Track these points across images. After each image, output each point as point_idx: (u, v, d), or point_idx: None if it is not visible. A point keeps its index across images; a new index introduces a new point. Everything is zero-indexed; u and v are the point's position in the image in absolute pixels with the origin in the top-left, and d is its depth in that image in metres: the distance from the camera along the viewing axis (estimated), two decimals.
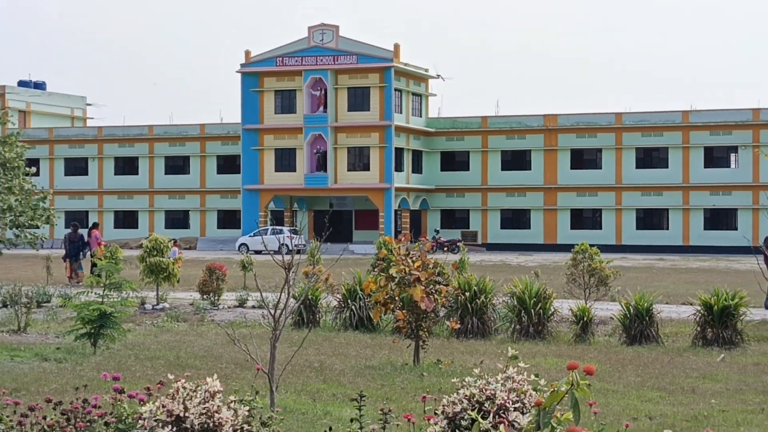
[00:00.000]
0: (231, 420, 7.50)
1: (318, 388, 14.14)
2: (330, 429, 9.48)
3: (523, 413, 7.19)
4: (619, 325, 20.08)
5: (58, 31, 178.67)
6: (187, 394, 7.55)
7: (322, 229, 70.05)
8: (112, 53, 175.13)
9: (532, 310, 20.19)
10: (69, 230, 37.49)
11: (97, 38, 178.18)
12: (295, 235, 62.69)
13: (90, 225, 37.99)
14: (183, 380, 7.65)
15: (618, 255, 56.39)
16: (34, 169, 30.83)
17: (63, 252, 37.31)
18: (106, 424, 8.83)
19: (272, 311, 12.05)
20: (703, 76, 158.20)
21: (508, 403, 7.32)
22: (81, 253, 36.36)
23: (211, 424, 7.42)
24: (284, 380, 13.83)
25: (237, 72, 75.35)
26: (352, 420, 8.55)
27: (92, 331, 17.64)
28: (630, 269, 44.29)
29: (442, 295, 17.03)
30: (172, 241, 37.30)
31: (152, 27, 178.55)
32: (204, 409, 7.45)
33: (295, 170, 73.80)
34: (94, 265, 35.37)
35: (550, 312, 20.50)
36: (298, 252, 16.65)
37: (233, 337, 11.45)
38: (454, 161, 77.47)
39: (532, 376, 7.52)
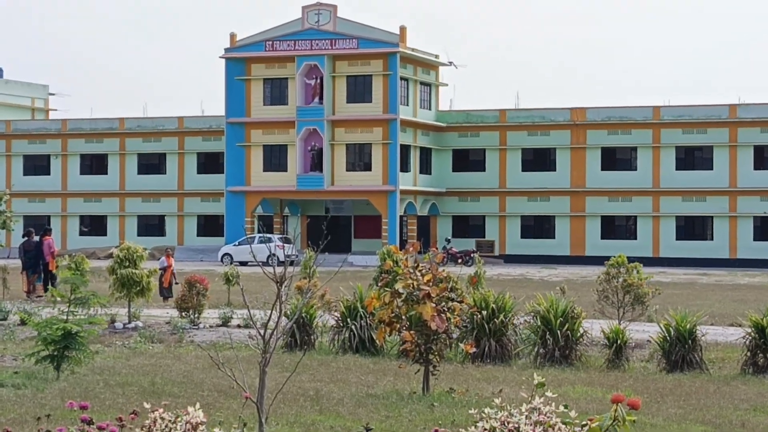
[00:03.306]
0: None
1: (313, 419, 14.12)
2: None
3: None
4: (657, 349, 20.09)
5: (16, 12, 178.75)
6: (166, 426, 7.51)
7: (317, 238, 69.92)
8: (78, 36, 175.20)
9: (559, 332, 20.18)
10: (24, 238, 37.35)
11: (61, 19, 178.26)
12: (286, 244, 62.72)
13: (42, 231, 37.78)
14: (160, 410, 7.61)
15: (656, 269, 56.29)
16: None
17: (21, 263, 37.18)
18: None
19: (261, 331, 12.00)
20: (751, 66, 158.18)
21: None
22: (39, 263, 36.18)
23: None
24: (275, 410, 13.81)
25: (221, 58, 75.45)
26: None
27: (55, 353, 17.60)
28: (669, 285, 44.22)
29: (456, 313, 17.04)
30: (167, 251, 37.44)
31: (124, 6, 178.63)
32: None
33: (286, 170, 73.82)
34: (47, 276, 35.39)
35: (579, 334, 20.49)
36: (291, 263, 16.55)
37: (217, 361, 11.39)
38: (467, 160, 77.48)
39: (561, 407, 7.49)
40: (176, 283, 34.26)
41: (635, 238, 73.37)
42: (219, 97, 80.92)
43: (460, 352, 20.25)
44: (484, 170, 76.80)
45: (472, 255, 59.52)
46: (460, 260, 63.93)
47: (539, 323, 20.42)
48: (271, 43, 73.48)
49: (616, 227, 74.53)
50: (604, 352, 20.49)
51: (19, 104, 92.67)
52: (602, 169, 74.42)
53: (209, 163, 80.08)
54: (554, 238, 75.20)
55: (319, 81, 72.83)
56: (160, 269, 34.65)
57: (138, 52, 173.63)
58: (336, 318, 22.31)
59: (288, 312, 20.18)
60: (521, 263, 70.96)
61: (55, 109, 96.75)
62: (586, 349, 20.93)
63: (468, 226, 77.22)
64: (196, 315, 26.95)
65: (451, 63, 77.79)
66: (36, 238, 36.64)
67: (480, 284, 27.28)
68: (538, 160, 75.87)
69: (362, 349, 21.38)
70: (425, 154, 76.55)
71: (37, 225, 53.68)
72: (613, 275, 25.45)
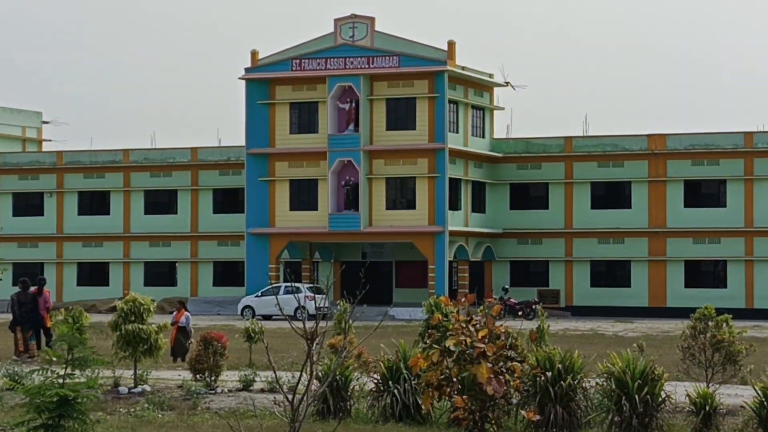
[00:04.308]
0: None
1: None
2: None
3: None
4: (753, 416, 19.92)
5: (3, 28, 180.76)
6: None
7: (353, 287, 69.98)
8: (75, 57, 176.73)
9: (637, 396, 20.13)
10: (18, 288, 37.59)
11: (57, 38, 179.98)
12: (317, 295, 62.86)
13: (38, 283, 37.95)
14: None
15: (749, 322, 55.91)
16: None
17: (10, 317, 37.39)
18: None
19: (289, 396, 12.02)
20: None
21: None
22: (34, 318, 36.37)
23: None
24: None
25: (240, 79, 75.91)
26: None
27: (50, 422, 17.59)
28: (766, 341, 43.89)
29: (516, 375, 17.06)
30: (179, 304, 37.52)
31: (128, 21, 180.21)
32: None
33: (316, 208, 74.01)
34: (39, 334, 35.61)
35: (661, 398, 20.44)
36: (323, 317, 16.58)
37: (238, 431, 11.43)
38: (527, 196, 77.57)
39: None
40: (190, 342, 34.41)
41: (725, 287, 72.96)
42: (238, 125, 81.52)
43: (521, 420, 20.21)
44: (547, 208, 76.77)
45: (533, 307, 59.42)
46: (520, 313, 63.94)
47: (614, 386, 20.36)
48: (298, 61, 73.83)
49: (703, 274, 74.14)
50: (690, 420, 20.40)
51: (8, 134, 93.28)
52: (685, 206, 74.15)
53: (227, 200, 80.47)
54: (630, 286, 74.92)
55: (354, 105, 73.05)
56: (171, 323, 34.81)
57: (144, 74, 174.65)
58: (375, 381, 22.32)
59: (320, 374, 20.22)
60: (591, 316, 70.58)
61: (50, 140, 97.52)
62: (669, 416, 20.81)
63: (529, 273, 77.11)
64: (212, 377, 26.97)
65: (508, 83, 77.89)
66: (32, 289, 36.86)
67: (543, 341, 27.24)
68: (611, 195, 75.77)
69: (406, 416, 21.36)
70: (478, 189, 76.60)
71: (30, 273, 54.09)
72: (699, 330, 25.27)
